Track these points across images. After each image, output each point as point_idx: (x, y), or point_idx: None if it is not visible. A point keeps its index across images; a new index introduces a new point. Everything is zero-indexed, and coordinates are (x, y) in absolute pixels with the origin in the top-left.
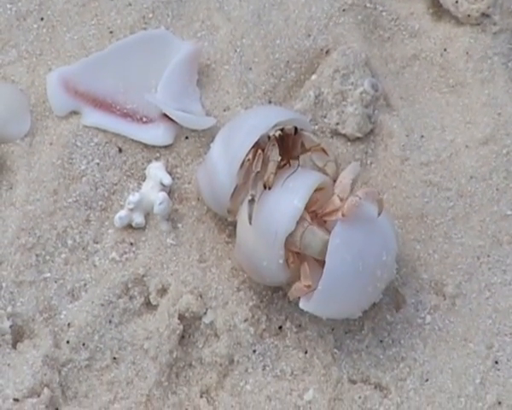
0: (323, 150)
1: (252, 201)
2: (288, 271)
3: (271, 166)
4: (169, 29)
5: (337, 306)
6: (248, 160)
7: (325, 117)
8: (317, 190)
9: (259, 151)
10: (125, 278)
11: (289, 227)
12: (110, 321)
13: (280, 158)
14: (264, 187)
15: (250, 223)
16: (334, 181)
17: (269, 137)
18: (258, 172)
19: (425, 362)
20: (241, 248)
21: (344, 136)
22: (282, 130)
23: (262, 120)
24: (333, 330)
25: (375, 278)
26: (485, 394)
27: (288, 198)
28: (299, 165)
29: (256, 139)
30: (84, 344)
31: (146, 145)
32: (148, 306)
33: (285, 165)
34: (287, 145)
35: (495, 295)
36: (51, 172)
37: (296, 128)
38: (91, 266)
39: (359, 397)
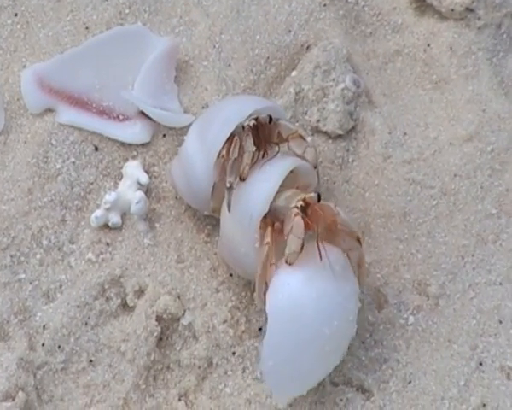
0: (301, 136)
1: (230, 188)
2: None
3: (246, 157)
4: (146, 25)
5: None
6: (222, 156)
7: (306, 114)
8: (297, 176)
9: (236, 138)
10: (102, 279)
11: (263, 209)
12: (86, 323)
13: (255, 148)
14: (240, 178)
15: (229, 210)
16: (315, 167)
17: (243, 127)
18: (235, 158)
19: (408, 364)
20: (222, 239)
21: (325, 133)
22: (256, 119)
23: (237, 110)
24: None
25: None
26: (469, 396)
27: (263, 181)
28: (278, 151)
29: (232, 130)
30: (59, 347)
31: (122, 143)
32: (125, 307)
33: (263, 155)
34: (262, 135)
35: (479, 295)
36: (26, 172)
37: (271, 117)
38: (67, 266)
39: (341, 400)
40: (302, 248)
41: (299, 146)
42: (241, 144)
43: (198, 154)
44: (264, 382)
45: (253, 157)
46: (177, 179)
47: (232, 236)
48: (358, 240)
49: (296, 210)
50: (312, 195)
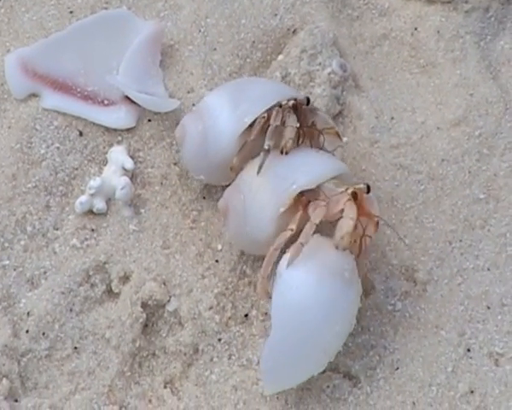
0: (337, 134)
1: (267, 151)
2: (277, 224)
3: (290, 132)
4: (131, 9)
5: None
6: (263, 117)
7: None
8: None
9: (277, 108)
10: (86, 266)
11: (309, 184)
12: (71, 310)
13: (299, 125)
14: (282, 152)
15: (258, 172)
16: None
17: (280, 106)
18: (277, 126)
19: (395, 350)
20: (239, 186)
21: None
22: (295, 99)
23: (278, 90)
24: None
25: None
26: (457, 382)
27: (321, 160)
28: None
29: (272, 104)
30: (44, 334)
31: (107, 128)
32: (110, 294)
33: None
34: (298, 116)
35: (467, 280)
36: (10, 157)
37: (308, 99)
38: (51, 253)
39: (327, 386)
40: (355, 228)
41: (332, 143)
42: (282, 117)
43: (227, 114)
44: (261, 378)
45: (297, 134)
46: (192, 135)
47: (257, 189)
48: (376, 225)
49: (348, 196)
50: (362, 186)
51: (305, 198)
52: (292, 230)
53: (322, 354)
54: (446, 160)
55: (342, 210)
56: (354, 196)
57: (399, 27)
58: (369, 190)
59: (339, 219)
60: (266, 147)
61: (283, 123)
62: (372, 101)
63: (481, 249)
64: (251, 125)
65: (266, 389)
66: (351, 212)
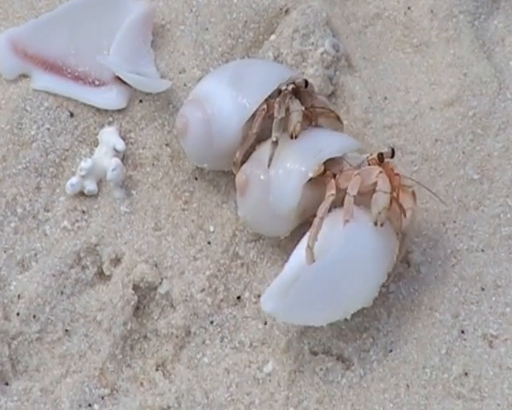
0: (338, 118)
1: (275, 143)
2: (302, 194)
3: (297, 116)
4: None
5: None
6: (263, 109)
7: None
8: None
9: (279, 99)
10: (77, 248)
11: (336, 152)
12: (62, 292)
13: (304, 108)
14: (291, 136)
15: (269, 165)
16: None
17: (279, 92)
18: (281, 118)
19: (389, 332)
20: (261, 161)
21: None
22: (293, 83)
23: (280, 71)
24: None
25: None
26: (451, 364)
27: (343, 137)
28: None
29: (273, 89)
30: (34, 316)
31: (98, 109)
32: (102, 276)
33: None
34: (299, 98)
35: (461, 262)
36: (0, 138)
37: (306, 81)
38: (42, 235)
39: (321, 369)
40: (391, 203)
41: (331, 126)
42: (285, 105)
43: (229, 102)
44: (273, 301)
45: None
46: (195, 125)
47: (281, 160)
48: (414, 196)
49: (379, 168)
50: (387, 150)
51: (330, 172)
52: (333, 194)
53: (354, 296)
54: (440, 140)
55: (375, 183)
56: (380, 158)
57: (392, 6)
58: (393, 153)
59: (372, 193)
60: (274, 139)
61: (287, 109)
62: (365, 81)
63: (475, 230)
64: (255, 113)
65: (277, 314)
66: (384, 185)
